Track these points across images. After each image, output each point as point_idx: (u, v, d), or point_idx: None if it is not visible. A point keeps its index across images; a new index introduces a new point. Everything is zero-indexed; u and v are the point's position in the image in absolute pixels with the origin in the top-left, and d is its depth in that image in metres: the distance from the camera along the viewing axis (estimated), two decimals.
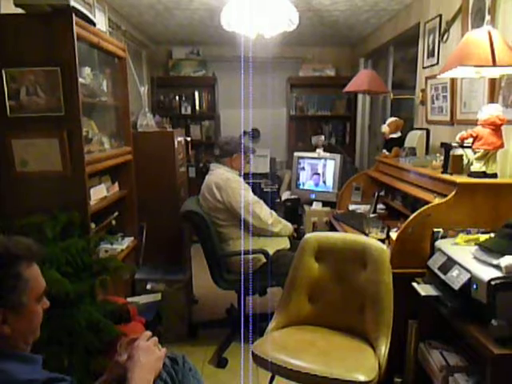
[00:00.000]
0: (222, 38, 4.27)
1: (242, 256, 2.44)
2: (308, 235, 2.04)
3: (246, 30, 2.54)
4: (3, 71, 1.92)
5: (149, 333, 1.33)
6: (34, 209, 1.96)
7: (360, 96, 4.83)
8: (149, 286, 2.80)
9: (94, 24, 2.20)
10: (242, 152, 2.67)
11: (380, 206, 2.94)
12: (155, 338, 1.31)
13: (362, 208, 2.96)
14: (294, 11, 2.50)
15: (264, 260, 2.48)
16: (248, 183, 2.81)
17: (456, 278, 1.52)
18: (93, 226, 2.51)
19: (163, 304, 2.69)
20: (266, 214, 2.61)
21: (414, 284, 1.74)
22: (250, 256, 2.45)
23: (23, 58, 1.92)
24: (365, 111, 4.88)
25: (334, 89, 4.81)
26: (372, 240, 1.95)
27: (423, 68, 3.09)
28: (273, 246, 2.57)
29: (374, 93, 3.38)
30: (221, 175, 2.65)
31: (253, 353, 1.75)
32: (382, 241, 2.20)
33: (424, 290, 1.68)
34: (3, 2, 1.98)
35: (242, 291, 2.53)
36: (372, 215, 2.79)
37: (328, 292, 1.96)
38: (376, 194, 2.86)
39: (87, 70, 2.43)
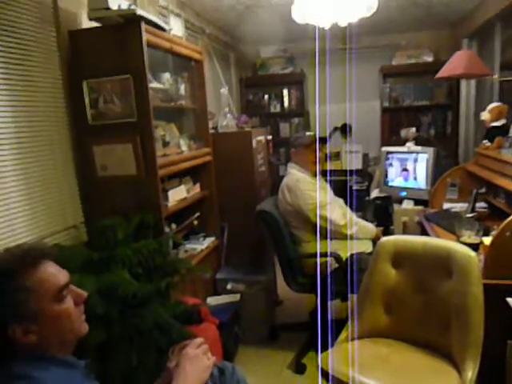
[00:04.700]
0: (307, 32, 4.15)
1: (318, 259, 2.31)
2: (384, 238, 1.86)
3: (319, 20, 2.41)
4: (84, 82, 2.05)
5: (200, 339, 1.29)
6: (115, 211, 2.07)
7: (463, 81, 4.35)
8: (229, 286, 2.81)
9: (165, 30, 2.24)
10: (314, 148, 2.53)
11: (480, 204, 2.58)
12: (205, 346, 1.27)
13: (459, 207, 2.64)
14: None
15: (337, 264, 2.33)
16: (328, 181, 2.68)
17: None
18: (173, 226, 2.59)
19: (242, 305, 2.68)
20: (338, 216, 2.45)
21: (509, 300, 1.47)
22: (320, 259, 2.31)
23: (100, 69, 2.04)
24: (469, 98, 4.37)
25: (433, 75, 4.38)
26: (458, 245, 1.70)
27: None
28: (348, 249, 2.40)
29: (473, 76, 2.99)
30: (292, 176, 2.56)
31: (319, 365, 1.64)
32: (476, 246, 1.92)
33: None
34: (84, 16, 2.11)
35: (319, 295, 2.40)
36: (469, 215, 2.47)
37: (407, 302, 1.75)
38: (475, 192, 2.52)
39: (166, 75, 2.51)
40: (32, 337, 0.92)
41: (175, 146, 2.51)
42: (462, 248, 1.66)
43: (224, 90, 3.16)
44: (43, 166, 1.94)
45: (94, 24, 2.05)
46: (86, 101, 2.07)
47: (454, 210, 2.62)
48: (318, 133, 2.71)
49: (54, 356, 0.97)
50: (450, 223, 2.30)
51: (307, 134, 2.69)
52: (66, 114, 2.08)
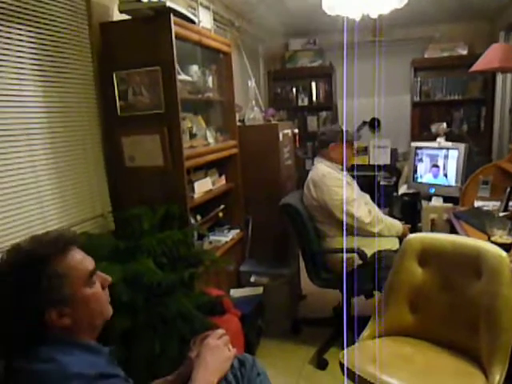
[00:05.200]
0: (337, 24, 4.08)
1: (345, 255, 2.28)
2: (411, 236, 1.82)
3: (350, 11, 2.36)
4: (114, 74, 2.08)
5: (221, 331, 1.30)
6: (141, 201, 2.10)
7: (499, 75, 4.19)
8: (252, 279, 2.83)
9: (194, 22, 2.25)
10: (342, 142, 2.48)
11: None
12: (226, 337, 1.28)
13: (491, 205, 2.56)
14: None
15: (361, 261, 2.29)
16: (354, 176, 2.64)
17: None
18: (199, 217, 2.61)
19: (265, 298, 2.69)
20: (363, 213, 2.41)
21: None
22: (344, 255, 2.29)
23: (130, 61, 2.06)
24: (505, 93, 4.21)
25: (467, 69, 4.24)
26: (489, 245, 1.65)
27: None
28: (374, 246, 2.37)
29: (509, 70, 2.88)
30: (318, 171, 2.54)
31: (340, 362, 1.62)
32: (508, 246, 1.86)
33: None
34: (115, 9, 2.13)
35: (345, 292, 2.38)
36: (502, 214, 2.39)
37: (433, 302, 1.71)
38: (508, 189, 2.43)
39: (194, 68, 2.52)
40: (66, 320, 0.96)
41: (202, 137, 2.52)
42: (493, 248, 1.61)
43: (251, 83, 3.14)
44: (74, 156, 1.99)
45: (125, 16, 2.07)
46: (116, 92, 2.10)
47: (485, 208, 2.54)
48: (345, 127, 2.66)
49: (79, 341, 1.00)
50: (480, 222, 2.23)
51: (337, 128, 2.65)
52: (96, 105, 2.12)
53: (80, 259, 1.01)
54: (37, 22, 1.76)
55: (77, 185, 2.01)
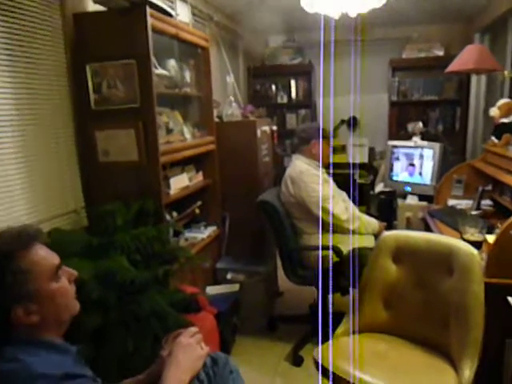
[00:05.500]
0: (316, 22, 4.08)
1: (320, 252, 2.29)
2: (386, 233, 1.84)
3: (328, 9, 2.36)
4: (87, 66, 2.03)
5: (194, 329, 1.28)
6: (116, 196, 2.05)
7: (474, 76, 4.27)
8: (229, 276, 2.81)
9: (172, 15, 2.21)
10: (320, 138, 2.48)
11: (486, 202, 2.55)
12: (199, 335, 1.26)
13: (464, 204, 2.61)
14: None
15: (337, 258, 2.31)
16: (330, 174, 2.65)
17: None
18: (175, 214, 2.58)
19: (241, 295, 2.68)
20: (340, 210, 2.42)
21: (510, 298, 1.45)
22: (320, 252, 2.29)
23: (104, 53, 2.02)
24: (480, 94, 4.30)
25: (443, 70, 4.31)
26: (460, 243, 1.67)
27: None
28: (350, 243, 2.38)
29: (484, 71, 2.93)
30: (296, 167, 2.54)
31: (314, 359, 1.63)
32: (479, 243, 1.89)
33: None
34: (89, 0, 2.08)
35: (320, 288, 2.39)
36: (474, 212, 2.44)
37: (406, 299, 1.73)
38: (480, 189, 2.48)
39: (172, 62, 2.48)
40: (33, 317, 0.94)
41: (179, 133, 2.49)
42: (465, 245, 1.63)
43: (230, 79, 3.12)
44: (45, 150, 1.93)
45: (100, 7, 2.02)
46: (90, 85, 2.05)
47: (458, 206, 2.59)
48: (321, 125, 2.67)
49: (45, 340, 0.98)
50: (453, 220, 2.28)
51: (317, 125, 2.65)
52: (69, 98, 2.06)
53: (43, 255, 0.99)
54: (6, 9, 1.69)
55: (49, 179, 1.95)
